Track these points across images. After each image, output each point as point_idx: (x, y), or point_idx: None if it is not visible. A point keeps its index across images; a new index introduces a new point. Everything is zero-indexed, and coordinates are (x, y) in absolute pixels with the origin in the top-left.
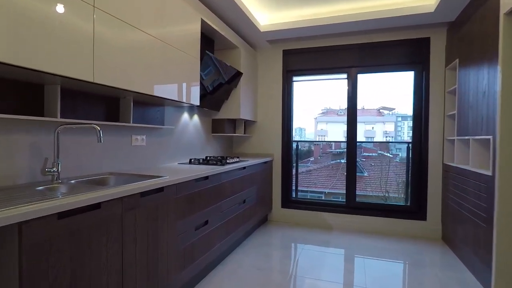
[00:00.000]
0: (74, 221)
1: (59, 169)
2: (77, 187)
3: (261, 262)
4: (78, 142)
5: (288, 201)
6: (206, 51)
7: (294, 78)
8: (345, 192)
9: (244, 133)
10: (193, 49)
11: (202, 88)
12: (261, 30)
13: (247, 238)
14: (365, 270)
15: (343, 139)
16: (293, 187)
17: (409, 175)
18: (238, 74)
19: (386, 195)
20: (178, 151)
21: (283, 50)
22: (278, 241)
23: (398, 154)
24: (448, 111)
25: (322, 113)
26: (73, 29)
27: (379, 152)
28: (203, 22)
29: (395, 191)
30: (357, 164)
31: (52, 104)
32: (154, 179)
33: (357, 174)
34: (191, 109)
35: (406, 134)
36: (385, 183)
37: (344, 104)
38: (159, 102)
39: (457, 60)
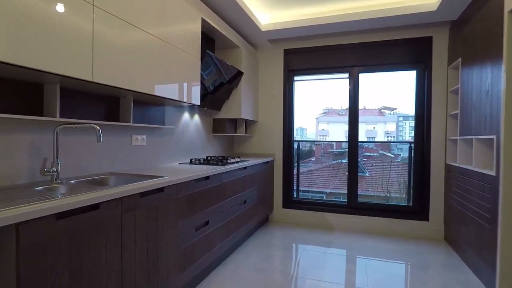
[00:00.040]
0: (73, 222)
1: (59, 169)
2: (77, 187)
3: (262, 262)
4: (78, 142)
5: (290, 201)
6: (207, 51)
7: (295, 78)
8: (346, 192)
9: (245, 133)
10: (193, 48)
11: (203, 87)
12: (262, 30)
13: (248, 238)
14: (367, 271)
15: (345, 139)
16: (295, 187)
17: (411, 175)
18: (239, 74)
19: (388, 195)
20: (179, 151)
21: (284, 50)
22: (279, 241)
23: (400, 154)
24: (451, 110)
25: (323, 113)
26: (72, 28)
27: (381, 152)
28: (203, 21)
29: (396, 191)
30: (359, 164)
31: (51, 104)
32: (154, 179)
33: (359, 174)
34: (192, 108)
35: (408, 134)
36: (386, 183)
37: (345, 104)
38: (160, 101)
39: (459, 59)
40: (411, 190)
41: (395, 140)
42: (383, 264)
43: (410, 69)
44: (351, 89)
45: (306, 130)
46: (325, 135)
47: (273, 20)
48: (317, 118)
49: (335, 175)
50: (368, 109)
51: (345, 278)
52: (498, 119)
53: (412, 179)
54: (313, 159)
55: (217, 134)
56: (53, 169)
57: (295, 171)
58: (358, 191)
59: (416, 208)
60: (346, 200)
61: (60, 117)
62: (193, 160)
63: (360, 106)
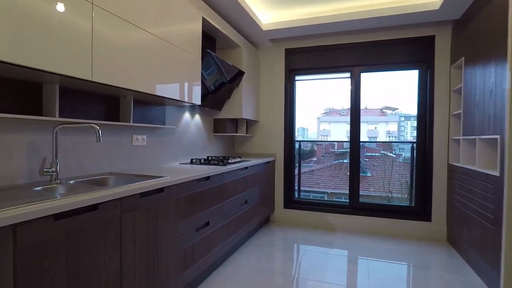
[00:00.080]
0: (71, 223)
1: (58, 169)
2: (76, 187)
3: (263, 263)
4: (78, 142)
5: (291, 202)
6: (208, 50)
7: (297, 78)
8: (347, 192)
9: (246, 133)
10: (194, 47)
11: (204, 87)
12: (263, 29)
13: (249, 239)
14: (369, 272)
15: (346, 139)
16: (296, 188)
17: (414, 176)
18: (240, 73)
19: (389, 195)
20: (179, 151)
21: (286, 49)
22: (280, 242)
23: (402, 154)
24: (454, 110)
25: (325, 113)
26: (71, 27)
27: (382, 152)
28: (204, 20)
29: (398, 191)
30: (360, 164)
31: (50, 103)
32: (155, 180)
33: (360, 174)
34: (193, 108)
35: (409, 134)
36: (388, 183)
37: (346, 104)
38: (160, 101)
39: (462, 59)
40: (413, 191)
41: (396, 140)
42: (385, 265)
43: (413, 69)
44: (352, 89)
45: (307, 130)
46: (327, 135)
47: (274, 20)
48: (318, 118)
49: (337, 175)
50: (370, 109)
51: (346, 279)
52: (502, 118)
53: (414, 180)
54: (314, 159)
55: (218, 134)
56: (52, 169)
57: (296, 171)
58: (360, 191)
59: (418, 208)
60: (347, 201)
61: (59, 117)
62: (193, 160)
63: (362, 106)
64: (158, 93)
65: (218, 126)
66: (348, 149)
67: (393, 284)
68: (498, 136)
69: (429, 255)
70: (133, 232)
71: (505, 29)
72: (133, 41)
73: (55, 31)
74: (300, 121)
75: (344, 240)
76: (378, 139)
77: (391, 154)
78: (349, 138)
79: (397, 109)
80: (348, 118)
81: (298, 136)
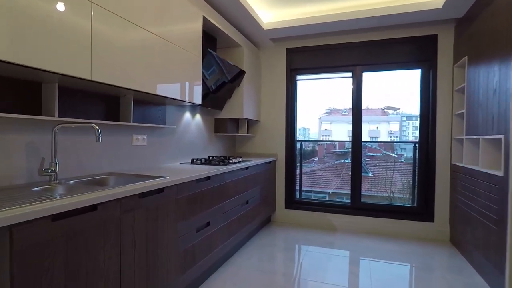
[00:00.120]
0: (69, 223)
1: (57, 169)
2: (75, 187)
3: (264, 264)
4: (78, 142)
5: (292, 202)
6: (209, 49)
7: (298, 77)
8: (349, 192)
9: (247, 133)
10: (195, 47)
11: (205, 87)
12: (264, 28)
13: (250, 239)
14: (370, 273)
15: (347, 139)
16: (297, 188)
17: (416, 176)
18: (241, 73)
19: (391, 195)
20: (180, 151)
21: (287, 49)
22: (281, 242)
23: (403, 154)
24: (457, 110)
25: (326, 113)
26: (70, 26)
27: (384, 152)
28: (205, 19)
29: (400, 191)
30: (362, 164)
31: (49, 103)
32: (155, 180)
33: (362, 174)
34: (193, 108)
35: (411, 134)
36: (390, 183)
37: (348, 104)
38: (160, 101)
39: (466, 58)
40: (416, 191)
41: (398, 140)
42: (387, 266)
43: (415, 68)
44: (354, 88)
45: (309, 130)
46: (328, 135)
47: (275, 19)
48: (320, 118)
49: (338, 175)
50: (371, 109)
51: (348, 280)
52: (506, 118)
53: (416, 180)
54: (316, 159)
55: (219, 134)
56: (51, 169)
57: (297, 171)
58: (361, 191)
59: (421, 209)
60: (349, 201)
61: (58, 117)
62: (194, 160)
63: (363, 106)
64: (158, 92)
65: (219, 126)
66: (350, 149)
67: (395, 285)
68: (502, 136)
69: (431, 256)
70: (133, 232)
71: (510, 27)
72: (133, 40)
73: (54, 30)
74: (302, 121)
75: (345, 241)
76: (379, 139)
77: (393, 154)
78: (350, 138)
79: (399, 109)
80: (349, 118)
81: (300, 136)
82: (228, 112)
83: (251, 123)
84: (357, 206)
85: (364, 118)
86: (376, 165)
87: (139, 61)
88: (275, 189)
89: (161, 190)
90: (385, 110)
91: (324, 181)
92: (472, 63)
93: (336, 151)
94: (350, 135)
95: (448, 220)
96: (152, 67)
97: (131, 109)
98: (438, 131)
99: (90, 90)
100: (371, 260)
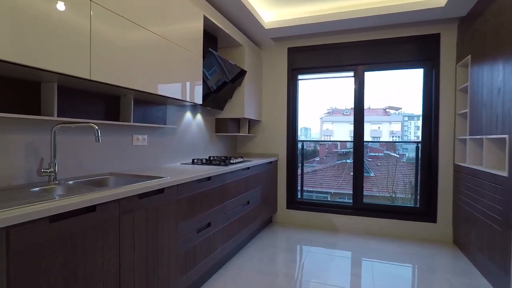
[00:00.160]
0: (67, 225)
1: (56, 170)
2: (74, 188)
3: (266, 265)
4: (77, 142)
5: (294, 202)
6: (210, 49)
7: (300, 77)
8: (351, 192)
9: (248, 133)
10: (195, 46)
11: (206, 87)
12: (266, 27)
13: (251, 240)
14: (373, 274)
15: (349, 139)
16: (299, 188)
17: (418, 176)
18: (242, 73)
19: (393, 195)
20: (181, 151)
21: (288, 48)
22: (283, 243)
23: (405, 154)
24: (460, 109)
25: (328, 113)
26: (70, 25)
27: (386, 152)
28: (205, 19)
29: (402, 191)
30: (364, 164)
31: (49, 103)
32: (155, 180)
33: (364, 174)
34: (194, 108)
35: (413, 134)
36: (391, 184)
37: (350, 104)
38: (161, 100)
39: (469, 57)
40: (418, 191)
41: (400, 140)
42: (389, 267)
43: (417, 67)
44: (356, 88)
45: (310, 130)
46: (330, 135)
47: (276, 18)
48: (321, 118)
49: (340, 175)
50: (373, 108)
51: (350, 281)
52: (510, 117)
53: (419, 180)
54: (317, 159)
55: (220, 134)
56: (50, 169)
57: (299, 171)
58: (363, 191)
59: (423, 209)
60: (351, 201)
61: (58, 116)
62: (195, 160)
63: (365, 106)
64: (159, 92)
65: (220, 126)
66: (351, 149)
67: (397, 286)
68: (506, 136)
69: (434, 257)
70: (132, 234)
71: None
72: (133, 39)
73: (54, 30)
74: (303, 121)
75: (347, 241)
76: (381, 139)
77: (395, 154)
78: (352, 138)
79: (401, 108)
80: (351, 118)
81: (301, 136)
82: (229, 112)
83: (252, 123)
84: (359, 206)
85: (366, 118)
86: (378, 165)
87: (139, 60)
88: (277, 189)
89: (161, 190)
90: (387, 110)
91: (325, 181)
92: (476, 62)
93: (337, 151)
94: (352, 135)
95: (451, 221)
96: (153, 66)
97: (131, 109)
98: (441, 131)
99: (90, 90)
100: (373, 261)
